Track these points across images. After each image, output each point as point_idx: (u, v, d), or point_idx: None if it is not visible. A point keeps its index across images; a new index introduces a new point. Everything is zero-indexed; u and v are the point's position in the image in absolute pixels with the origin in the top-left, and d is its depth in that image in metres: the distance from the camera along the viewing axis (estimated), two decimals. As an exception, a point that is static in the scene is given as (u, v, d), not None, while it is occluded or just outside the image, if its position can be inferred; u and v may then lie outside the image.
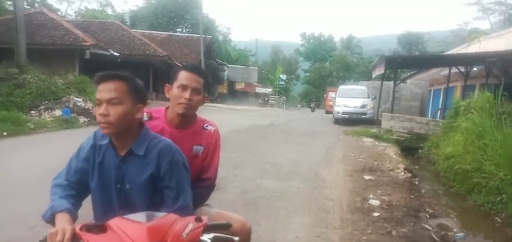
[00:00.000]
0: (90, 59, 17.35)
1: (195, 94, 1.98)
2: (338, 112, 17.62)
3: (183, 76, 1.99)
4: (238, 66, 41.25)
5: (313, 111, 33.20)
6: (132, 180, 1.69)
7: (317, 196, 5.78)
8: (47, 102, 10.92)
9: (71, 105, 10.73)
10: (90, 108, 11.04)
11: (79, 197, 1.72)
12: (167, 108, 2.08)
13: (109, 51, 19.32)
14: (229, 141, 9.90)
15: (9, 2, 19.24)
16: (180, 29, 42.94)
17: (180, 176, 1.72)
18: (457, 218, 5.80)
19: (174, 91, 1.99)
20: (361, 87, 20.58)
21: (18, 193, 4.83)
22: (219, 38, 45.72)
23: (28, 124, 8.85)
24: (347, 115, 17.14)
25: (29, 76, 11.52)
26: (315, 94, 51.94)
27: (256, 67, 43.23)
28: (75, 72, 15.81)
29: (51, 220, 1.53)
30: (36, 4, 30.42)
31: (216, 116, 16.38)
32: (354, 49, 60.45)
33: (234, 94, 37.61)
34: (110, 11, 41.48)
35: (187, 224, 1.43)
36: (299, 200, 5.52)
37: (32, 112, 10.26)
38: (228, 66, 37.57)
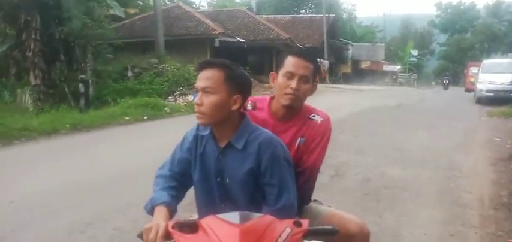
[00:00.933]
0: (219, 46, 18.50)
1: (303, 83, 1.74)
2: (481, 90, 15.53)
3: (289, 63, 1.75)
4: (364, 44, 39.40)
5: (446, 88, 29.78)
6: (231, 173, 1.61)
7: (452, 188, 5.10)
8: (181, 88, 12.05)
9: (201, 91, 11.52)
10: (218, 93, 11.74)
11: (181, 188, 1.70)
12: (272, 98, 1.87)
13: (236, 38, 20.32)
14: (351, 124, 9.51)
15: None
16: (303, 11, 42.86)
17: (282, 172, 1.58)
18: None
19: (279, 80, 1.76)
20: (510, 60, 17.72)
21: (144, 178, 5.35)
22: (344, 16, 44.32)
23: (165, 108, 9.89)
24: (492, 93, 14.98)
25: (167, 65, 12.85)
26: (452, 70, 46.69)
27: (383, 44, 40.71)
28: (207, 58, 17.01)
29: (151, 211, 1.54)
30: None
31: (338, 98, 15.99)
32: (503, 16, 52.01)
33: (359, 74, 36.12)
34: (238, 0, 43.54)
35: (284, 229, 1.29)
36: (429, 192, 4.94)
37: (169, 98, 11.45)
38: (352, 45, 36.19)
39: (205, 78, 1.52)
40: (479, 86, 15.92)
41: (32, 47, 11.06)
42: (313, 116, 1.84)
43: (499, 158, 6.54)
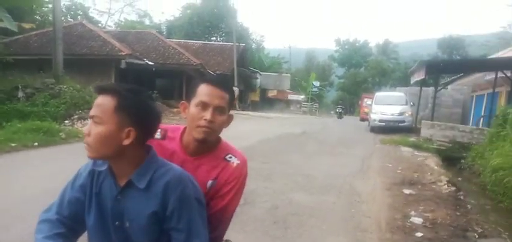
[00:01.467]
0: (126, 68, 17.66)
1: (218, 114, 1.54)
2: (374, 120, 16.99)
3: (202, 91, 1.54)
4: (271, 73, 41.04)
5: (340, 117, 29.86)
6: (132, 217, 1.37)
7: (353, 213, 5.38)
8: (80, 111, 11.10)
9: (103, 115, 10.81)
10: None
11: (71, 236, 1.44)
12: (186, 128, 1.66)
13: (144, 61, 19.63)
14: (260, 150, 9.66)
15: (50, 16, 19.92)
16: (214, 38, 43.30)
17: (191, 215, 1.38)
18: (509, 237, 5.23)
19: (191, 110, 1.55)
20: (398, 94, 19.80)
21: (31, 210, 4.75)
22: (253, 46, 45.76)
23: (60, 134, 8.94)
24: (384, 123, 16.48)
25: (65, 86, 11.78)
26: (349, 101, 50.98)
27: (289, 75, 42.83)
28: (110, 81, 16.12)
29: None
30: (78, 16, 31.57)
31: (247, 125, 16.24)
32: (390, 54, 58.76)
33: (267, 102, 37.44)
34: (148, 22, 42.40)
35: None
36: (334, 218, 5.15)
37: (66, 122, 10.44)
38: (260, 74, 37.44)
39: (96, 104, 1.33)
40: (373, 116, 17.35)
41: None
42: (230, 157, 1.63)
43: (393, 183, 7.14)
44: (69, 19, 28.79)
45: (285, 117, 24.53)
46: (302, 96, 41.79)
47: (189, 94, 1.60)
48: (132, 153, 1.36)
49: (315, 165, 8.42)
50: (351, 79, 54.20)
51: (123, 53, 17.21)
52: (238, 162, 1.64)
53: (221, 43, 35.89)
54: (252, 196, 5.67)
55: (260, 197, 5.72)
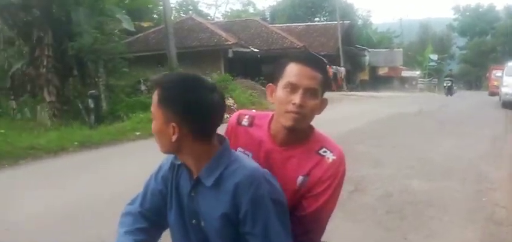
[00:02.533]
0: (233, 57, 18.33)
1: (309, 97, 1.33)
2: (507, 94, 14.84)
3: (291, 72, 1.34)
4: (381, 49, 38.72)
5: (449, 93, 24.42)
6: (205, 217, 1.26)
7: (483, 202, 4.66)
8: (193, 101, 11.75)
9: (214, 102, 11.34)
10: (231, 105, 11.52)
11: (153, 231, 1.37)
12: (274, 115, 1.48)
13: (249, 48, 20.12)
14: (370, 132, 9.10)
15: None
16: (317, 18, 42.58)
17: (268, 218, 1.19)
18: None
19: (279, 93, 1.36)
20: (537, 62, 16.99)
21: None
22: (359, 22, 43.78)
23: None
24: (519, 98, 14.31)
25: (179, 79, 12.60)
26: (474, 74, 45.52)
27: (401, 49, 39.86)
28: (220, 70, 16.90)
29: None
30: (190, 11, 33.82)
31: (355, 105, 15.54)
32: (524, 17, 50.68)
33: (377, 81, 35.45)
34: (251, 10, 43.59)
35: None
36: (458, 208, 4.51)
37: (182, 110, 11.19)
38: (369, 51, 35.60)
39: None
40: (504, 90, 15.26)
41: (45, 63, 11.03)
42: (324, 151, 1.40)
43: (533, 168, 6.05)
44: (182, 15, 30.96)
45: (398, 96, 22.94)
46: (418, 72, 38.50)
47: (277, 76, 1.39)
48: (190, 149, 1.22)
49: (434, 147, 7.57)
50: (475, 49, 48.19)
51: (230, 43, 17.88)
52: (334, 157, 1.39)
53: (325, 23, 34.97)
54: (362, 182, 5.33)
55: (371, 183, 5.32)
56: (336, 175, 1.38)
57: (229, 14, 41.41)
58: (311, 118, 1.39)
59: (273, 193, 1.21)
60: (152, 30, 19.37)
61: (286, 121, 1.34)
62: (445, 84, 25.28)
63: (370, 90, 28.85)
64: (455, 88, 25.62)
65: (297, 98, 1.31)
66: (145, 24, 18.39)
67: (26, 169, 6.02)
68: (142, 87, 12.15)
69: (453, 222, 4.09)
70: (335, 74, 25.47)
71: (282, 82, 1.36)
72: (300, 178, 1.37)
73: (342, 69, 26.93)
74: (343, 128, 9.34)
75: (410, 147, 7.71)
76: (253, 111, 1.57)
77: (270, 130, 1.43)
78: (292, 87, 1.33)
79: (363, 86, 32.23)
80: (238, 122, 1.49)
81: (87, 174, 5.83)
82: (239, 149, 1.43)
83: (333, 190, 1.37)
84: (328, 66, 24.77)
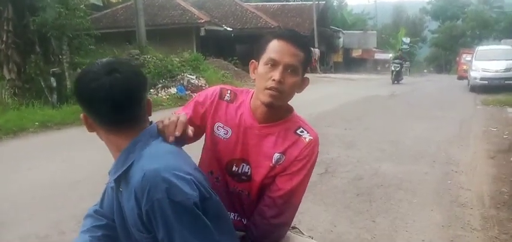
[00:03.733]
0: (205, 36, 17.93)
1: (289, 75, 1.31)
2: (475, 78, 15.17)
3: (273, 48, 1.33)
4: (355, 31, 38.91)
5: (396, 79, 19.06)
6: (128, 218, 1.12)
7: (449, 185, 4.70)
8: (163, 80, 11.48)
9: (185, 83, 11.11)
10: (203, 85, 11.29)
11: (113, 230, 1.25)
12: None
13: (223, 27, 19.73)
14: (342, 115, 9.10)
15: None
16: (293, -1, 42.23)
17: (171, 227, 1.01)
18: None
19: (259, 69, 1.35)
20: (504, 47, 17.46)
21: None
22: (334, 4, 43.69)
23: (145, 102, 9.32)
24: (487, 81, 14.66)
25: (149, 57, 12.25)
26: (444, 58, 46.57)
27: (375, 32, 40.21)
28: (191, 49, 16.48)
29: None
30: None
31: (328, 88, 15.58)
32: (493, 3, 51.91)
33: (351, 63, 35.72)
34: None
35: None
36: (426, 190, 4.53)
37: (151, 90, 10.88)
38: (343, 33, 35.72)
39: None
40: (472, 74, 15.56)
41: (4, 38, 10.38)
42: (301, 131, 1.40)
43: (498, 150, 6.17)
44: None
45: (371, 78, 23.19)
46: (390, 55, 38.97)
47: (260, 52, 1.37)
48: (107, 141, 1.14)
49: (405, 130, 7.63)
50: (446, 33, 49.00)
51: (202, 21, 17.47)
52: (311, 137, 1.40)
53: (300, 3, 34.70)
54: (333, 164, 5.30)
55: (342, 166, 5.29)
56: (311, 155, 1.38)
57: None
58: (290, 95, 1.37)
59: (176, 195, 1.00)
60: (121, 6, 18.66)
61: (265, 97, 1.32)
62: (392, 68, 19.21)
63: (344, 72, 29.03)
64: (403, 71, 20.45)
65: (276, 74, 1.29)
66: (113, 0, 17.67)
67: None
68: (110, 66, 11.64)
69: (421, 204, 4.11)
70: (311, 56, 25.45)
71: (263, 59, 1.34)
72: (276, 155, 1.36)
73: (316, 51, 26.86)
74: (316, 110, 9.30)
75: (381, 129, 7.75)
76: (235, 87, 1.54)
77: (250, 107, 1.41)
78: (273, 63, 1.31)
79: (337, 68, 32.39)
80: (220, 96, 1.45)
81: (47, 156, 5.53)
82: (218, 124, 1.41)
83: (307, 171, 1.38)
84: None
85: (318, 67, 26.90)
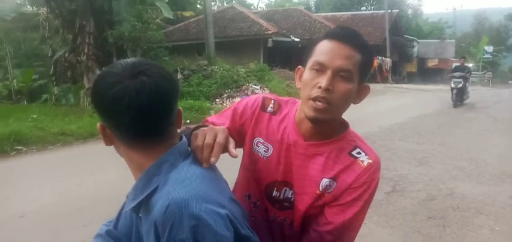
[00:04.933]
0: (273, 46, 17.98)
1: (340, 81, 1.05)
2: None
3: (321, 49, 1.07)
4: (431, 40, 36.71)
5: (457, 97, 13.16)
6: None
7: (541, 212, 4.10)
8: (229, 90, 11.66)
9: (249, 93, 11.16)
10: (268, 96, 11.28)
11: None
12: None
13: (290, 38, 19.67)
14: (414, 128, 8.49)
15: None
16: (364, 8, 41.06)
17: None
18: None
19: (305, 76, 1.10)
20: None
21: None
22: (408, 12, 41.73)
23: (210, 111, 9.48)
24: None
25: (216, 67, 12.54)
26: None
27: (453, 41, 37.60)
28: (258, 60, 16.63)
29: None
30: (233, 1, 33.77)
31: (400, 99, 14.73)
32: None
33: (426, 73, 33.70)
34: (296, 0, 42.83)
35: None
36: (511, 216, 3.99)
37: (217, 100, 11.11)
38: (418, 42, 33.87)
39: None
40: None
41: (85, 50, 11.25)
42: (358, 153, 1.13)
43: None
44: (225, 4, 30.94)
45: (447, 89, 21.62)
46: (470, 65, 36.16)
47: (307, 56, 1.13)
48: (128, 158, 0.94)
49: (486, 147, 6.89)
50: (536, 41, 44.51)
51: (270, 32, 17.53)
52: (370, 161, 1.12)
53: (371, 12, 33.59)
54: (402, 182, 4.91)
55: (412, 184, 4.87)
56: (370, 183, 1.11)
57: (272, 3, 40.93)
58: (342, 107, 1.09)
59: (205, 237, 0.81)
60: (193, 19, 19.42)
61: (309, 109, 1.07)
62: (452, 85, 13.28)
63: (418, 82, 27.43)
64: (468, 87, 14.27)
65: (323, 80, 1.04)
66: (187, 14, 18.47)
67: (53, 155, 6.05)
68: (179, 76, 12.14)
69: (505, 233, 3.63)
70: (380, 65, 24.43)
71: (309, 63, 1.10)
72: (325, 180, 1.11)
73: (388, 60, 25.75)
74: (385, 122, 8.81)
75: (459, 145, 7.07)
76: (281, 97, 1.31)
77: (295, 120, 1.18)
78: (320, 67, 1.06)
79: (410, 78, 30.74)
80: (263, 107, 1.23)
81: (114, 161, 5.77)
82: (257, 139, 1.21)
83: (364, 202, 1.11)
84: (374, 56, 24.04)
85: (390, 77, 25.72)
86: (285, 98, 1.27)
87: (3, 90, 16.63)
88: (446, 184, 4.88)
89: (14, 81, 14.00)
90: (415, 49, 33.65)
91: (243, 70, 12.91)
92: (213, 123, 1.20)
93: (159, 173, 0.88)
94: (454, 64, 16.63)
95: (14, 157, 5.97)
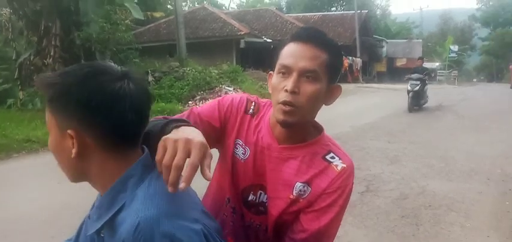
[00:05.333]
0: (245, 47, 17.97)
1: (306, 82, 1.02)
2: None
3: (286, 52, 1.05)
4: (399, 40, 37.72)
5: (413, 104, 11.73)
6: None
7: (508, 206, 4.26)
8: (202, 92, 11.53)
9: (222, 94, 11.10)
10: (241, 97, 11.24)
11: None
12: None
13: (262, 38, 19.69)
14: (385, 128, 8.65)
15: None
16: (334, 8, 41.72)
17: None
18: None
19: (273, 80, 1.08)
20: None
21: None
22: (377, 12, 42.73)
23: (183, 115, 9.35)
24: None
25: (188, 69, 12.37)
26: (496, 66, 44.04)
27: (421, 40, 38.76)
28: (231, 61, 16.56)
29: None
30: (204, 1, 33.54)
31: (370, 98, 15.02)
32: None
33: (395, 72, 34.54)
34: (267, 0, 42.99)
35: None
36: (481, 212, 4.11)
37: (189, 102, 10.94)
38: (387, 42, 34.71)
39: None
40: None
41: (52, 53, 10.83)
42: (332, 157, 1.10)
43: None
44: (196, 4, 30.69)
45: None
46: (437, 64, 37.32)
47: (275, 61, 1.10)
48: (99, 167, 0.83)
49: (455, 144, 7.09)
50: (498, 40, 46.33)
51: (242, 32, 17.53)
52: (344, 165, 1.10)
53: (342, 12, 34.15)
54: (375, 182, 4.97)
55: (385, 184, 4.94)
56: (344, 188, 1.08)
57: (244, 4, 40.95)
58: (311, 110, 1.06)
59: None
60: (164, 20, 19.13)
61: (278, 113, 1.04)
62: (409, 87, 11.92)
63: (388, 81, 28.09)
64: (427, 93, 12.66)
65: (289, 83, 1.01)
66: (157, 14, 18.10)
67: (18, 163, 5.78)
68: (150, 78, 11.90)
69: (475, 229, 3.74)
70: (351, 65, 24.84)
71: (276, 67, 1.07)
72: (298, 184, 1.08)
73: (358, 60, 26.23)
74: (357, 122, 8.93)
75: (429, 143, 7.25)
76: (260, 98, 1.27)
77: (269, 123, 1.14)
78: (286, 70, 1.04)
79: (380, 78, 31.45)
80: (246, 109, 1.19)
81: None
82: (237, 141, 1.17)
83: (339, 208, 1.08)
84: (343, 58, 24.38)
85: (361, 77, 26.21)
86: (264, 100, 1.23)
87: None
88: (418, 182, 4.98)
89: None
90: (384, 49, 34.47)
91: (216, 71, 12.80)
92: (200, 115, 1.15)
93: (125, 189, 0.81)
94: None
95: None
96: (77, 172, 0.84)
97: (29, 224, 3.66)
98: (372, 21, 34.95)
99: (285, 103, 1.01)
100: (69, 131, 0.79)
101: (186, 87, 11.54)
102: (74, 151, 0.79)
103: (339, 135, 7.03)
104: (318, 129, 1.16)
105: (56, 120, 0.81)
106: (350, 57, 24.58)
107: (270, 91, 1.10)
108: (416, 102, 11.76)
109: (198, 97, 11.20)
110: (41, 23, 11.22)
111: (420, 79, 11.82)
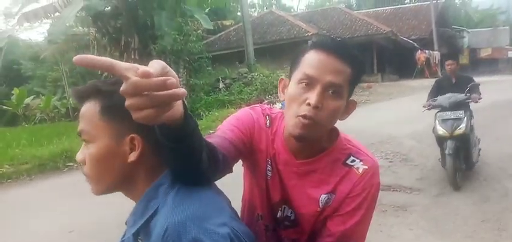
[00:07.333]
0: (312, 48, 17.77)
1: (330, 98, 0.98)
2: None
3: (310, 61, 0.99)
4: (482, 29, 34.68)
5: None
6: None
7: None
8: (270, 96, 11.68)
9: (290, 97, 11.09)
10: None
11: None
12: None
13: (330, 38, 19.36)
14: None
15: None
16: (408, 0, 39.60)
17: None
18: None
19: (290, 89, 1.02)
20: None
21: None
22: (456, 1, 39.71)
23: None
24: None
25: (256, 74, 12.59)
26: None
27: (507, 27, 35.25)
28: (299, 63, 16.50)
29: None
30: (273, 6, 33.89)
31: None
32: None
33: (478, 64, 31.83)
34: (336, -1, 42.21)
35: None
36: None
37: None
38: (468, 32, 32.11)
39: (80, 116, 0.89)
40: None
41: (131, 67, 11.74)
42: (352, 161, 1.07)
43: None
44: (265, 9, 31.11)
45: (503, 80, 20.28)
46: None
47: (292, 68, 1.05)
48: (146, 169, 0.88)
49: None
50: None
51: (310, 33, 17.35)
52: (365, 167, 1.06)
53: (415, 4, 32.28)
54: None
55: (465, 184, 4.58)
56: (369, 190, 1.05)
57: (312, 4, 40.59)
58: (328, 126, 1.04)
59: None
60: (233, 27, 19.65)
61: (294, 128, 0.99)
62: (439, 132, 4.75)
63: (470, 74, 25.89)
64: (474, 131, 5.43)
65: (313, 97, 0.96)
66: (227, 23, 18.68)
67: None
68: (221, 85, 12.33)
69: None
70: (428, 60, 23.36)
71: (296, 76, 1.01)
72: (323, 196, 1.06)
73: (436, 54, 24.57)
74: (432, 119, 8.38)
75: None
76: (275, 108, 1.22)
77: (283, 137, 1.10)
78: (309, 82, 0.98)
79: (462, 71, 29.02)
80: (266, 123, 1.15)
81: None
82: (268, 160, 1.14)
83: (365, 210, 1.05)
84: (419, 51, 23.01)
85: (439, 72, 24.54)
86: (275, 111, 1.19)
87: (61, 109, 17.75)
88: (502, 183, 4.59)
89: (71, 99, 14.87)
90: (465, 39, 31.90)
91: (284, 75, 12.82)
92: (224, 133, 1.09)
93: (157, 196, 0.85)
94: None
95: (66, 173, 6.35)
96: (125, 177, 0.88)
97: (117, 223, 3.98)
98: (450, 11, 32.57)
99: (305, 117, 0.97)
100: (132, 135, 0.85)
101: (255, 92, 11.78)
102: (135, 154, 0.85)
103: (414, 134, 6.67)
104: (334, 133, 1.11)
105: (111, 127, 0.85)
106: (427, 51, 23.14)
107: (283, 100, 1.06)
108: (459, 162, 4.69)
109: (266, 101, 11.37)
110: (121, 39, 12.20)
111: (460, 105, 5.06)
